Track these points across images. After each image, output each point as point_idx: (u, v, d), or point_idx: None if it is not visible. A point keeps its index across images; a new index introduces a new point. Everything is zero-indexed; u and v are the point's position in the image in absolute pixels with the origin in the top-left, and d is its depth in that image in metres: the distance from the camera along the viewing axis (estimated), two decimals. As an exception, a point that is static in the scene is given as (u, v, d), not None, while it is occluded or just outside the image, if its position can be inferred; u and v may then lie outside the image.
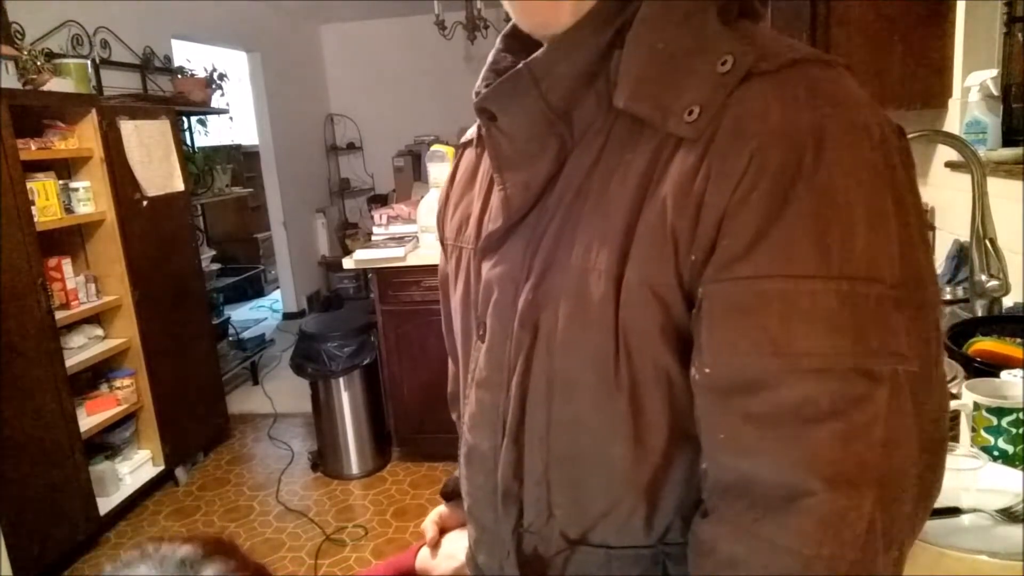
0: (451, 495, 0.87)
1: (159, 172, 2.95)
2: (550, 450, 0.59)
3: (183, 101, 3.75)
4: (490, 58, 0.65)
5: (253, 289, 5.95)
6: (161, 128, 2.99)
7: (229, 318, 4.21)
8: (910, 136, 1.48)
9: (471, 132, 0.75)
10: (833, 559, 0.46)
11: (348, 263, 2.90)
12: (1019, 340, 1.14)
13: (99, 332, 2.78)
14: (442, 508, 0.88)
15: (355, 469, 3.00)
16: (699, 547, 0.52)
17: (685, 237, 0.49)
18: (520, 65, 0.56)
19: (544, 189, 0.58)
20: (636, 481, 0.56)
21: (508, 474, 0.62)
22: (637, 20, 0.52)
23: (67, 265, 2.55)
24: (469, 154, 0.75)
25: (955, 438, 0.93)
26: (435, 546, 0.85)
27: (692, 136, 0.49)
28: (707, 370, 0.49)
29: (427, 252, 2.82)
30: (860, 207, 0.46)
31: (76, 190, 2.58)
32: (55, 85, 2.61)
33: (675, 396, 0.54)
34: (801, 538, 0.46)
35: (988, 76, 1.71)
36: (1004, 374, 0.98)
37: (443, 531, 0.87)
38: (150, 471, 2.88)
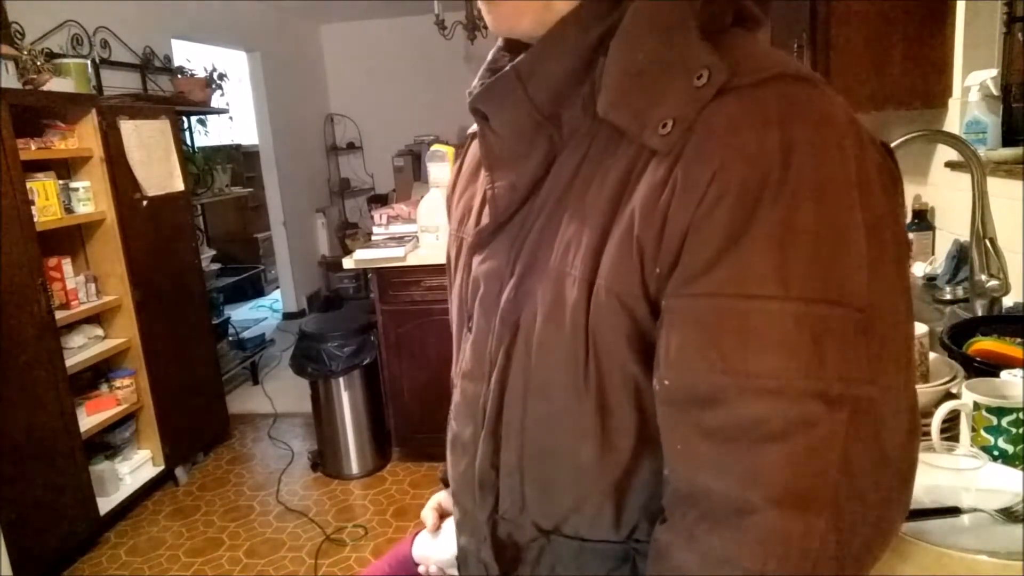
0: (448, 481, 0.89)
1: (159, 172, 2.95)
2: (524, 444, 0.61)
3: (183, 101, 3.75)
4: (489, 56, 0.65)
5: (253, 289, 5.95)
6: (161, 128, 2.99)
7: (229, 318, 4.21)
8: (911, 136, 1.48)
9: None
10: None
11: (348, 263, 2.90)
12: (1019, 340, 1.13)
13: (99, 332, 2.78)
14: (441, 495, 0.89)
15: (355, 469, 3.00)
16: (654, 551, 0.54)
17: (650, 250, 0.49)
18: (507, 66, 0.57)
19: (531, 190, 0.59)
20: (603, 480, 0.57)
21: (485, 464, 0.63)
22: (620, 29, 0.52)
23: (67, 265, 2.55)
24: (476, 146, 0.75)
25: (955, 438, 0.93)
26: (436, 531, 0.87)
27: (664, 149, 0.49)
28: (666, 382, 0.50)
29: (427, 252, 2.82)
30: (825, 228, 0.45)
31: (76, 190, 2.58)
32: (55, 85, 2.61)
33: (642, 401, 0.54)
34: (746, 553, 0.47)
35: (988, 76, 1.71)
36: (1004, 374, 0.98)
37: (442, 517, 0.88)
38: (150, 471, 2.88)
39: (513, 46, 0.64)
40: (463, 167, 0.78)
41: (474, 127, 0.76)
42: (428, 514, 0.88)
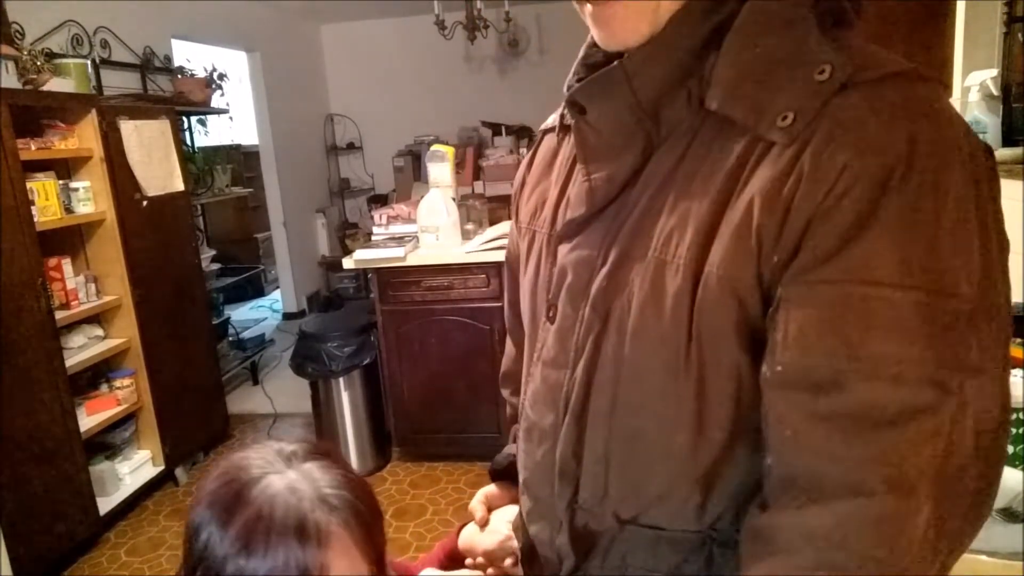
0: (498, 474, 0.90)
1: (159, 172, 2.95)
2: (612, 431, 0.61)
3: (183, 101, 3.75)
4: (581, 52, 0.66)
5: (253, 289, 5.95)
6: (161, 128, 2.99)
7: (229, 318, 4.21)
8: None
9: (553, 119, 0.76)
10: (884, 562, 0.47)
11: (348, 263, 2.90)
12: (1019, 340, 1.13)
13: (99, 332, 2.78)
14: (488, 488, 0.91)
15: (355, 469, 2.99)
16: (756, 536, 0.54)
17: (770, 238, 0.50)
18: (615, 63, 0.57)
19: (627, 183, 0.60)
20: (695, 469, 0.58)
21: (567, 452, 0.64)
22: (738, 23, 0.53)
23: (67, 265, 2.55)
24: (549, 140, 0.76)
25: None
26: (484, 524, 0.88)
27: (785, 141, 0.50)
28: (779, 368, 0.51)
29: (427, 252, 2.82)
30: (946, 222, 0.47)
31: (76, 190, 2.58)
32: (55, 85, 2.61)
33: (742, 391, 0.55)
34: (857, 536, 0.48)
35: (988, 76, 1.71)
36: (1004, 374, 0.98)
37: (490, 510, 0.89)
38: (150, 471, 2.88)
39: None
40: (534, 162, 0.78)
41: (547, 124, 0.78)
42: (477, 507, 0.89)
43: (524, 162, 0.81)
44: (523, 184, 0.79)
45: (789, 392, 0.50)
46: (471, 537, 0.89)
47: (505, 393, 0.94)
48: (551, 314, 0.66)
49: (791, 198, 0.49)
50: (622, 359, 0.59)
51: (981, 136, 1.69)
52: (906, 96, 0.48)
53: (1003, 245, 0.50)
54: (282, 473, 0.67)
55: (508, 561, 0.83)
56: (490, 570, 0.87)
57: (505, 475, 0.88)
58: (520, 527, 0.76)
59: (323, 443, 0.74)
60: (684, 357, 0.55)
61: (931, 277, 0.46)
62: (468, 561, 0.89)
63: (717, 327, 0.53)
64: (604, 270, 0.60)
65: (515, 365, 0.90)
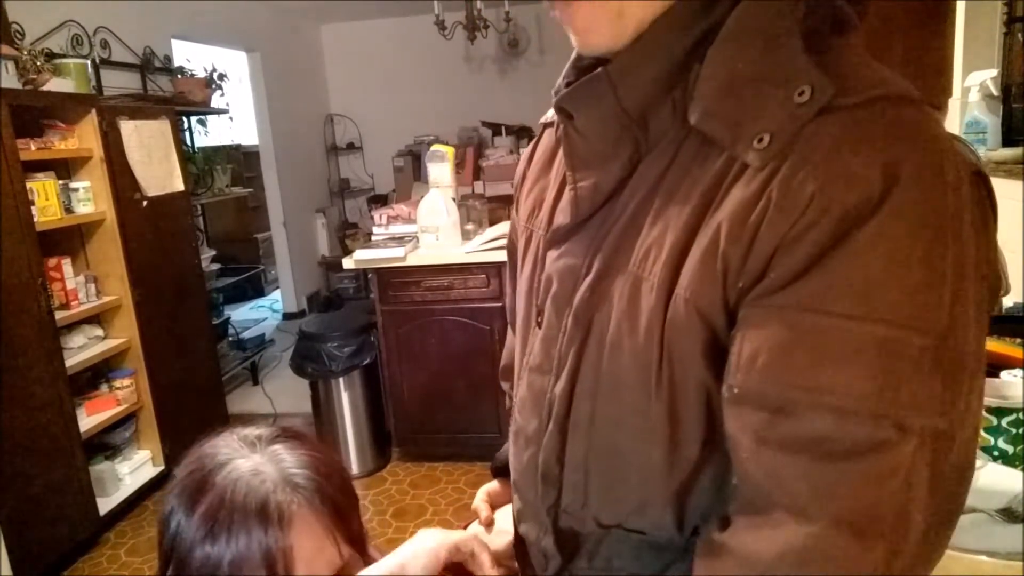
0: (499, 471, 0.90)
1: (159, 172, 2.95)
2: (591, 441, 0.61)
3: (183, 101, 3.75)
4: (573, 55, 0.65)
5: (253, 289, 5.95)
6: (161, 128, 2.99)
7: (229, 318, 4.21)
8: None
9: (551, 113, 0.74)
10: None
11: (348, 263, 2.90)
12: (1019, 340, 1.13)
13: (99, 332, 2.78)
14: (490, 485, 0.91)
15: (355, 469, 3.00)
16: (708, 551, 0.54)
17: (735, 264, 0.49)
18: (599, 68, 0.56)
19: (613, 192, 0.59)
20: (669, 484, 0.57)
21: (551, 457, 0.64)
22: (721, 36, 0.51)
23: (67, 265, 2.55)
24: (549, 136, 0.75)
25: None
26: (490, 524, 0.88)
27: (757, 164, 0.48)
28: (735, 389, 0.50)
29: (427, 252, 2.82)
30: (917, 255, 0.45)
31: (76, 190, 2.58)
32: (55, 85, 2.61)
33: (712, 410, 0.54)
34: (786, 565, 0.47)
35: (988, 76, 1.71)
36: (1004, 374, 0.98)
37: (493, 507, 0.89)
38: (150, 471, 2.88)
39: None
40: (534, 158, 0.77)
41: (546, 117, 0.77)
42: (481, 506, 0.88)
43: (524, 155, 0.81)
44: (523, 179, 0.78)
45: (744, 413, 0.50)
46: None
47: (505, 387, 0.93)
48: (539, 320, 0.66)
49: (758, 226, 0.48)
50: (601, 372, 0.58)
51: (980, 136, 1.69)
52: (888, 122, 0.46)
53: (983, 280, 0.48)
54: (247, 457, 0.67)
55: (516, 563, 0.84)
56: (500, 570, 0.87)
57: (507, 471, 0.88)
58: (516, 526, 0.77)
59: (293, 427, 0.75)
60: (656, 375, 0.54)
61: (897, 311, 0.44)
62: None
63: (685, 348, 0.53)
64: (587, 280, 0.59)
65: (513, 360, 0.90)
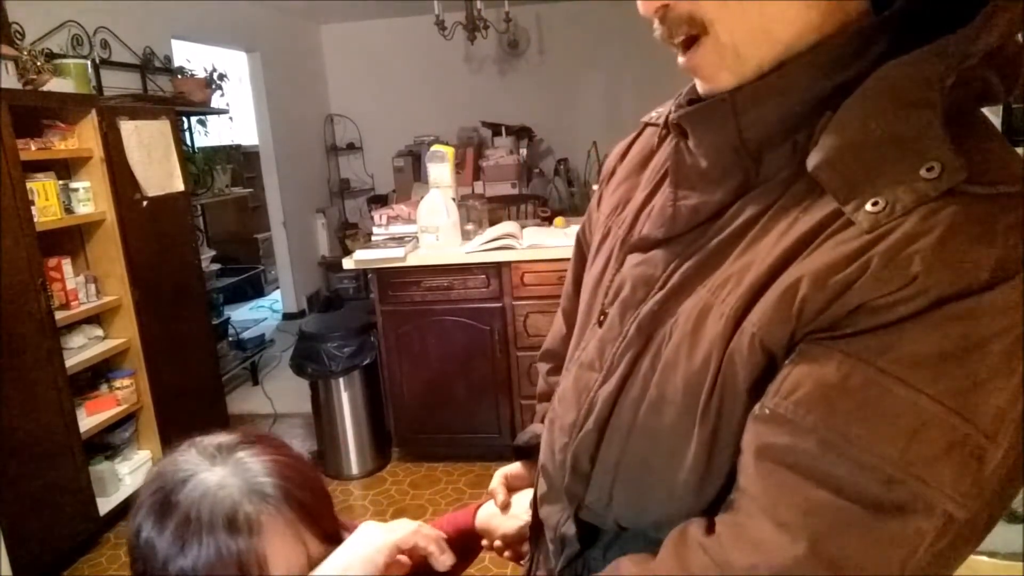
0: (521, 452, 0.90)
1: (159, 172, 2.95)
2: (625, 451, 0.61)
3: (183, 101, 3.75)
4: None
5: (253, 289, 5.95)
6: (161, 128, 2.99)
7: (229, 318, 4.21)
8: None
9: (658, 113, 0.74)
10: None
11: (348, 263, 2.90)
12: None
13: (99, 332, 2.78)
14: (509, 468, 0.91)
15: (355, 469, 3.00)
16: (681, 540, 0.55)
17: (811, 311, 0.48)
18: (726, 94, 0.55)
19: (712, 216, 0.58)
20: (694, 507, 0.57)
21: (584, 452, 0.64)
22: (859, 92, 0.50)
23: (67, 265, 2.55)
24: (650, 136, 0.74)
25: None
26: (506, 507, 0.88)
27: (866, 227, 0.47)
28: (767, 410, 0.50)
29: (427, 252, 2.82)
30: (992, 353, 0.44)
31: (76, 190, 2.58)
32: (55, 85, 2.61)
33: None
34: None
35: (988, 76, 1.71)
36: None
37: (511, 491, 0.89)
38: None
39: None
40: (627, 156, 0.76)
41: (650, 116, 0.76)
42: (499, 489, 0.88)
43: (618, 149, 0.79)
44: (612, 173, 0.78)
45: (768, 433, 0.50)
46: (489, 519, 0.89)
47: (542, 368, 0.94)
48: (601, 319, 0.66)
49: (847, 285, 0.47)
50: (650, 385, 0.58)
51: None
52: (1014, 220, 0.44)
53: None
54: (210, 470, 0.67)
55: (525, 546, 0.84)
56: (507, 553, 0.88)
57: (527, 454, 0.88)
58: (535, 504, 0.77)
59: (254, 430, 0.74)
60: (705, 401, 0.54)
61: (955, 396, 0.44)
62: (484, 543, 0.89)
63: (741, 379, 0.52)
64: (660, 294, 0.59)
65: (559, 346, 0.90)
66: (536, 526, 0.76)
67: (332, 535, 0.71)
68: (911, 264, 0.45)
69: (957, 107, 0.48)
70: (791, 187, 0.54)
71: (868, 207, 0.47)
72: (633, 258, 0.65)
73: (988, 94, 0.50)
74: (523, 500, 0.87)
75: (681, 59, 0.57)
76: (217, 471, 0.66)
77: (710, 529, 0.53)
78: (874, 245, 0.46)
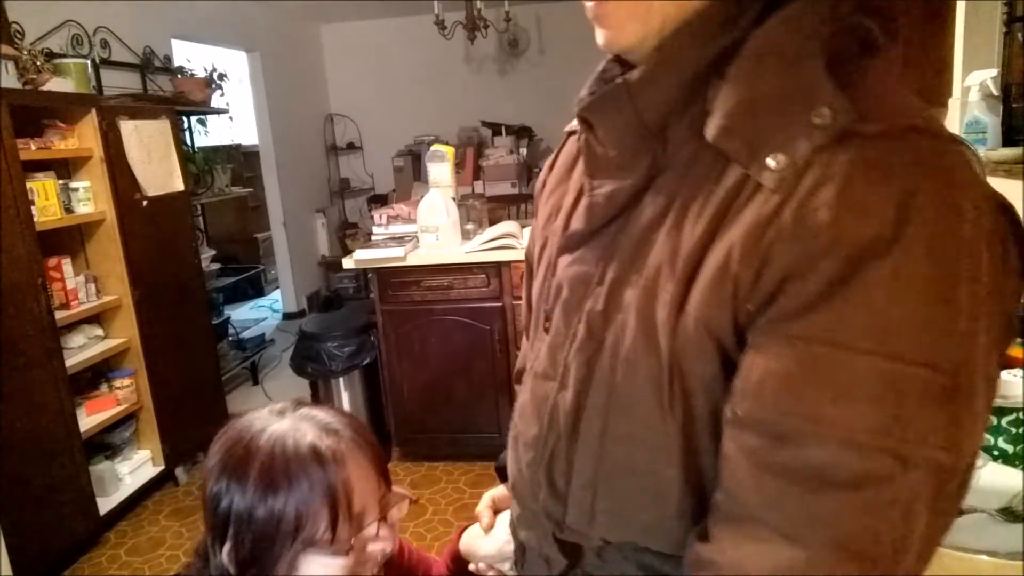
0: (504, 472, 0.90)
1: (159, 172, 2.95)
2: (601, 460, 0.60)
3: (183, 101, 3.75)
4: (600, 66, 0.65)
5: (253, 289, 5.95)
6: (161, 128, 2.99)
7: (229, 318, 4.21)
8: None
9: (576, 122, 0.74)
10: None
11: (348, 263, 2.90)
12: (1019, 340, 1.13)
13: (99, 332, 2.78)
14: (495, 491, 0.90)
15: (355, 469, 3.00)
16: (696, 563, 0.54)
17: (745, 286, 0.49)
18: (619, 80, 0.56)
19: (628, 202, 0.58)
20: (683, 504, 0.57)
21: (556, 470, 0.63)
22: (741, 55, 0.50)
23: (67, 265, 2.55)
24: (572, 144, 0.75)
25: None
26: (490, 529, 0.88)
27: (771, 185, 0.48)
28: (738, 412, 0.50)
29: (427, 252, 2.82)
30: (930, 290, 0.44)
31: (76, 190, 2.58)
32: (55, 85, 2.61)
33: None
34: None
35: (988, 76, 1.71)
36: (1004, 374, 0.98)
37: (497, 512, 0.89)
38: (150, 471, 2.87)
39: (622, 58, 0.64)
40: (556, 165, 0.77)
41: (570, 126, 0.76)
42: (484, 512, 0.88)
43: (547, 162, 0.81)
44: (543, 185, 0.78)
45: (746, 437, 0.50)
46: (471, 541, 0.89)
47: (519, 389, 0.94)
48: (546, 325, 0.66)
49: (769, 250, 0.47)
50: (614, 388, 0.58)
51: (980, 136, 1.69)
52: (909, 154, 0.45)
53: (997, 317, 0.47)
54: (279, 422, 0.72)
55: (506, 565, 0.84)
56: (491, 573, 0.87)
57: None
58: (514, 530, 0.76)
59: (318, 403, 0.80)
60: (668, 391, 0.54)
61: (907, 346, 0.44)
62: (471, 566, 0.89)
63: (696, 367, 0.53)
64: (599, 289, 0.59)
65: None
66: (520, 548, 0.75)
67: (388, 476, 0.77)
68: (819, 214, 0.45)
69: (840, 56, 0.49)
70: (699, 161, 0.54)
71: (771, 164, 0.48)
72: (564, 259, 0.64)
73: (870, 42, 0.51)
74: (505, 520, 0.86)
75: (589, 4, 0.57)
76: (286, 422, 0.72)
77: (705, 538, 0.53)
78: (785, 203, 0.47)
